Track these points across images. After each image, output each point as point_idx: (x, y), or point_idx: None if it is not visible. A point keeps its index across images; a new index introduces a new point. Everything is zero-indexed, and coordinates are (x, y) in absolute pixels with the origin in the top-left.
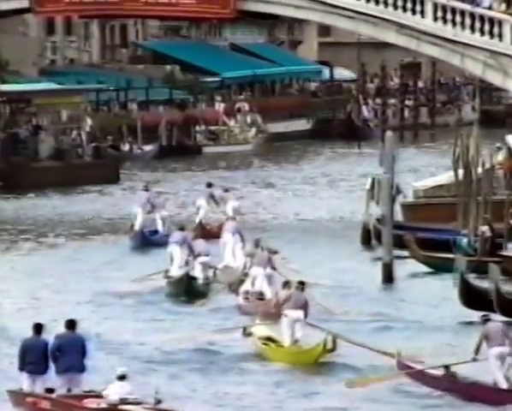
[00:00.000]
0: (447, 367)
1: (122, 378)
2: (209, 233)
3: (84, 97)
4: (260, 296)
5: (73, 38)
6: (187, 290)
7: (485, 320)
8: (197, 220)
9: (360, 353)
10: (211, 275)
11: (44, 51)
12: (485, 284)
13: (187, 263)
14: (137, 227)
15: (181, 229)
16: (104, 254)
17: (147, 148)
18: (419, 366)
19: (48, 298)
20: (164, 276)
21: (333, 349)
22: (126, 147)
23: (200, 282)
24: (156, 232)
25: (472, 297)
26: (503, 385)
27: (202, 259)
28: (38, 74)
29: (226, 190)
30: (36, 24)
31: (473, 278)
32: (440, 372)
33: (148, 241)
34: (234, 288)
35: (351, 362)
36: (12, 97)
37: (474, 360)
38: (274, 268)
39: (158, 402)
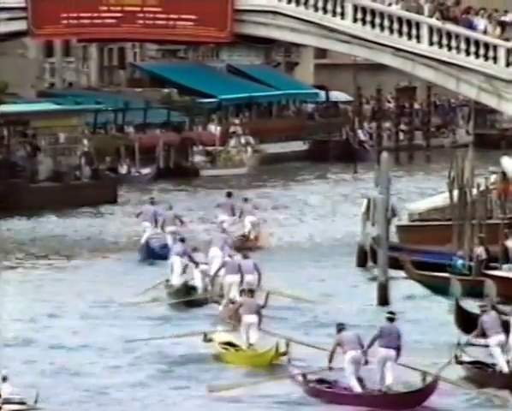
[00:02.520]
0: (304, 375)
1: (3, 379)
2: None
3: (82, 119)
4: (232, 301)
5: (71, 59)
6: (189, 299)
7: (340, 329)
8: None
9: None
10: (210, 284)
11: (42, 74)
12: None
13: (184, 271)
14: (143, 240)
15: (182, 240)
16: (106, 271)
17: (145, 170)
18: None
19: (48, 316)
20: (165, 285)
21: (286, 353)
22: (124, 169)
23: (200, 291)
24: (165, 246)
25: (467, 322)
26: (357, 389)
27: (201, 268)
28: (37, 96)
29: (245, 199)
30: (35, 46)
31: (467, 303)
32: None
33: (156, 253)
34: (214, 299)
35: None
36: (10, 119)
37: (330, 369)
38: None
39: (35, 401)
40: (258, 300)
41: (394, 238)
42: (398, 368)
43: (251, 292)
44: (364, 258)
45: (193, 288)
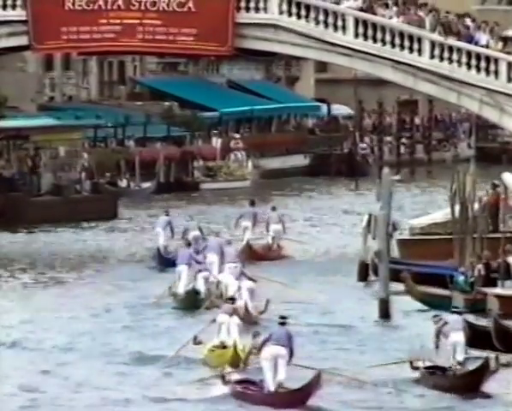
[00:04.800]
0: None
1: None
2: (256, 254)
3: (82, 133)
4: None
5: (71, 73)
6: (194, 305)
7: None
8: (244, 241)
9: None
10: (214, 288)
11: (42, 88)
12: (482, 322)
13: (195, 278)
14: (157, 246)
15: (188, 244)
16: (107, 283)
17: (145, 184)
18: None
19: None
20: (169, 292)
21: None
22: (124, 183)
23: (202, 295)
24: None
25: (471, 334)
26: (271, 387)
27: (204, 273)
28: (37, 110)
29: (273, 208)
30: (34, 60)
31: (470, 316)
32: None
33: (168, 261)
34: (216, 303)
35: None
36: (10, 133)
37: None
38: (251, 279)
39: None
40: (237, 305)
41: (395, 252)
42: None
43: (231, 299)
44: (365, 272)
45: (198, 293)
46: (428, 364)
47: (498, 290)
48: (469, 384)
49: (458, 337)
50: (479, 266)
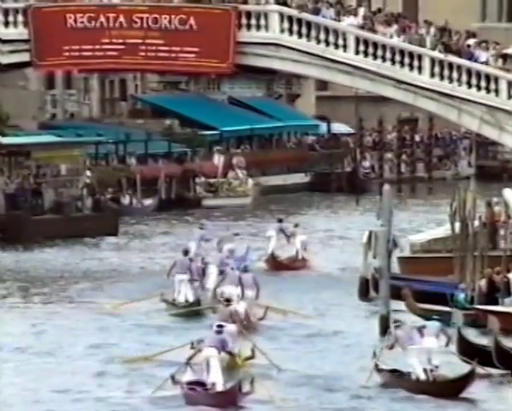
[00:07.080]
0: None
1: None
2: (280, 264)
3: (83, 150)
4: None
5: (73, 91)
6: (195, 313)
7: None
8: (269, 251)
9: None
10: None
11: (44, 105)
12: (482, 338)
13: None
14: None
15: (186, 253)
16: (109, 296)
17: (147, 201)
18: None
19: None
20: (161, 299)
21: (252, 357)
22: (126, 200)
23: (202, 304)
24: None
25: (469, 351)
26: (220, 387)
27: (197, 282)
28: (38, 128)
29: (296, 225)
30: (36, 78)
31: (470, 332)
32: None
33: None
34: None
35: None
36: (11, 149)
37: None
38: (251, 288)
39: None
40: (234, 309)
41: (395, 270)
42: None
43: (228, 301)
44: (366, 289)
45: (199, 303)
46: (392, 368)
47: (498, 307)
48: (450, 390)
49: (432, 343)
50: (481, 282)
